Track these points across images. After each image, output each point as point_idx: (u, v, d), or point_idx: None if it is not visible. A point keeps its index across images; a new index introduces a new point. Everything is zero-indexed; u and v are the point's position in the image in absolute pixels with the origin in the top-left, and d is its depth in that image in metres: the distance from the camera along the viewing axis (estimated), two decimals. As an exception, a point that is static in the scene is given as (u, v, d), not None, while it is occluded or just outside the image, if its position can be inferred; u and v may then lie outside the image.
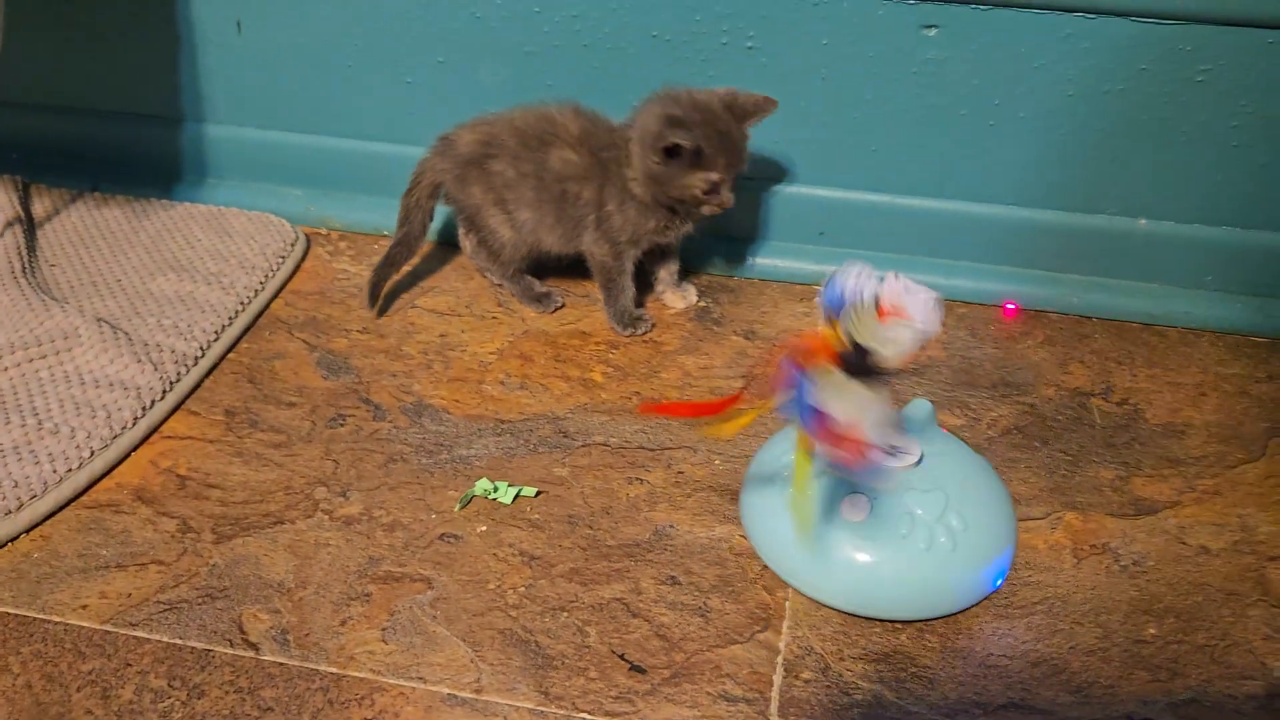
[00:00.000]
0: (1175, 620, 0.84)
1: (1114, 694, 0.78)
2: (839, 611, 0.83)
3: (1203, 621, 0.83)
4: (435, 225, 1.18)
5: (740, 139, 1.03)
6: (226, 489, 0.93)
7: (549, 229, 1.11)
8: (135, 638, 0.80)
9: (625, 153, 1.05)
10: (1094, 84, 1.07)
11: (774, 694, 0.77)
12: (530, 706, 0.76)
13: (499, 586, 0.85)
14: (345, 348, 1.10)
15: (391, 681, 0.78)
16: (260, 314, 1.14)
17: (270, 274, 1.17)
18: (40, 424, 0.96)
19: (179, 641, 0.80)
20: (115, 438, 0.95)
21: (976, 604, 0.84)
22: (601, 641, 0.81)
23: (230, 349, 1.09)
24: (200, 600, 0.83)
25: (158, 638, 0.80)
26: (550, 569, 0.87)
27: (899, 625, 0.82)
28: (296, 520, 0.90)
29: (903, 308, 0.70)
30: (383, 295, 1.15)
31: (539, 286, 1.16)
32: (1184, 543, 0.90)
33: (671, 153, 1.00)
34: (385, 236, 1.25)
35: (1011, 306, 1.17)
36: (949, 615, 0.83)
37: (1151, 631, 0.83)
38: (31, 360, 1.03)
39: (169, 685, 0.77)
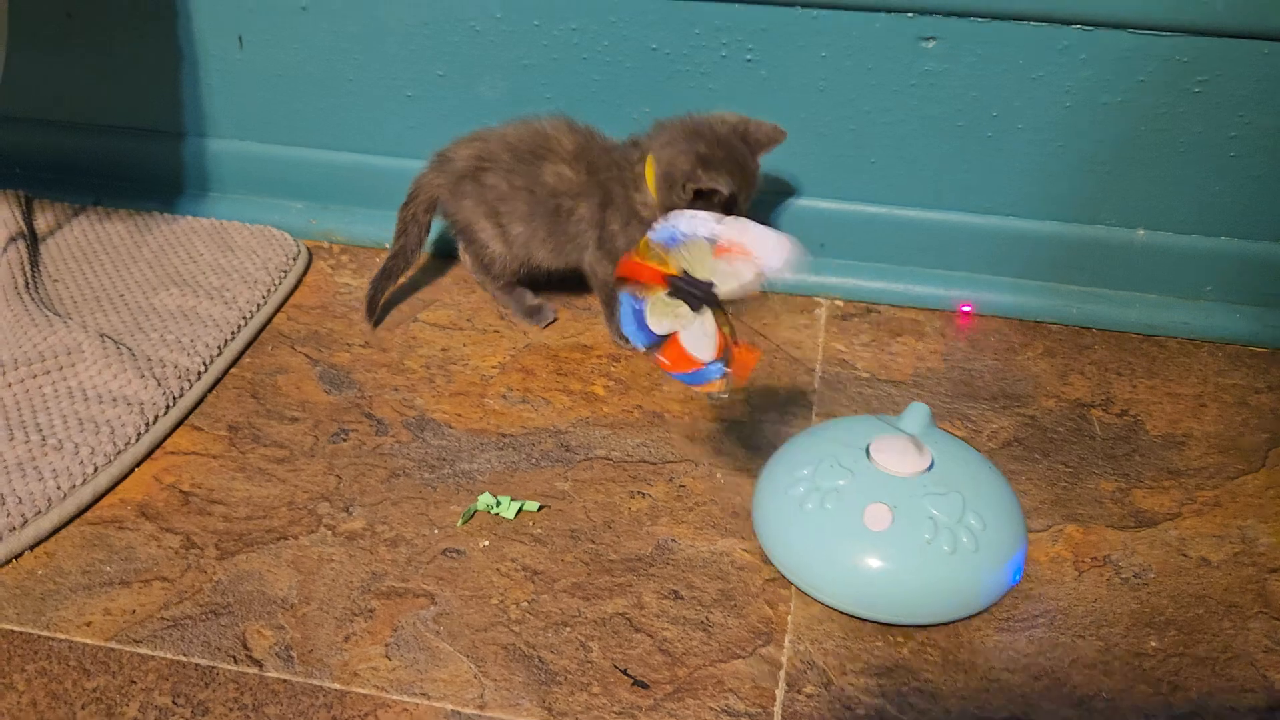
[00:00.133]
0: (1176, 633, 0.84)
1: (1115, 707, 0.78)
2: (869, 621, 0.84)
3: (1204, 634, 0.84)
4: (436, 240, 1.18)
5: (756, 172, 1.03)
6: (230, 504, 0.93)
7: (541, 242, 1.11)
8: (139, 655, 0.81)
9: (630, 174, 1.06)
10: (1092, 95, 1.07)
11: (777, 709, 0.78)
12: (533, 722, 0.77)
13: (502, 601, 0.85)
14: (347, 362, 1.10)
15: (395, 698, 0.78)
16: (263, 328, 1.14)
17: (272, 288, 1.18)
18: (44, 440, 0.96)
19: (183, 658, 0.80)
20: (119, 453, 0.96)
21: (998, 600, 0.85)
22: (604, 656, 0.81)
23: (233, 364, 1.09)
24: (204, 616, 0.84)
25: (162, 654, 0.81)
26: (553, 584, 0.87)
27: (901, 639, 0.83)
28: (300, 536, 0.91)
29: (740, 244, 0.76)
30: (380, 307, 1.15)
31: (531, 299, 1.16)
32: (1185, 555, 0.90)
33: (703, 193, 1.01)
34: (387, 250, 1.25)
35: (967, 309, 1.17)
36: (973, 615, 0.84)
37: (1153, 644, 0.83)
38: (35, 376, 1.03)
39: (173, 702, 0.77)
